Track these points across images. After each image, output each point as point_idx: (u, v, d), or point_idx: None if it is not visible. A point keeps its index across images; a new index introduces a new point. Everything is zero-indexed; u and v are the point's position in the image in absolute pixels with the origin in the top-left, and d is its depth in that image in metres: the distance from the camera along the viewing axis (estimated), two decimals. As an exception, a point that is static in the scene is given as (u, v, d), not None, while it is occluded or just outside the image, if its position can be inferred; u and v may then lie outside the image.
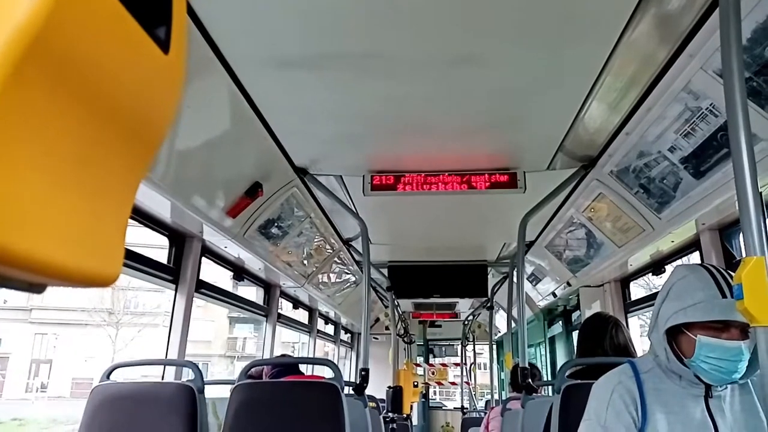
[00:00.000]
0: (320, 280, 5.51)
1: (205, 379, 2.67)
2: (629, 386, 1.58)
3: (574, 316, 6.24)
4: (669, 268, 3.66)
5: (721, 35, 1.34)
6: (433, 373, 11.81)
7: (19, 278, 0.36)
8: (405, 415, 7.54)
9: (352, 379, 7.82)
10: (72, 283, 0.39)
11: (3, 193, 0.32)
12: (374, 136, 2.91)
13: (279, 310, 5.22)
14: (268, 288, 5.00)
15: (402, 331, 9.65)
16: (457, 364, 12.14)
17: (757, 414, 1.50)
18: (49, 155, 0.36)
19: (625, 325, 2.78)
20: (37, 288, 0.40)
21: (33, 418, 20.37)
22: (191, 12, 1.83)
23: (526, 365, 3.34)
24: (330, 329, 8.18)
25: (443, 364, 12.26)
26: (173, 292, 3.31)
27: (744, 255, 1.23)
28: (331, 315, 7.60)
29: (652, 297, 4.06)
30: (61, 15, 0.33)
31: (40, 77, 0.34)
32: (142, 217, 2.91)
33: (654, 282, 4.46)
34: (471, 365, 11.58)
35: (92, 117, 0.38)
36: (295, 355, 8.11)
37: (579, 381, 2.25)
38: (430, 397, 11.87)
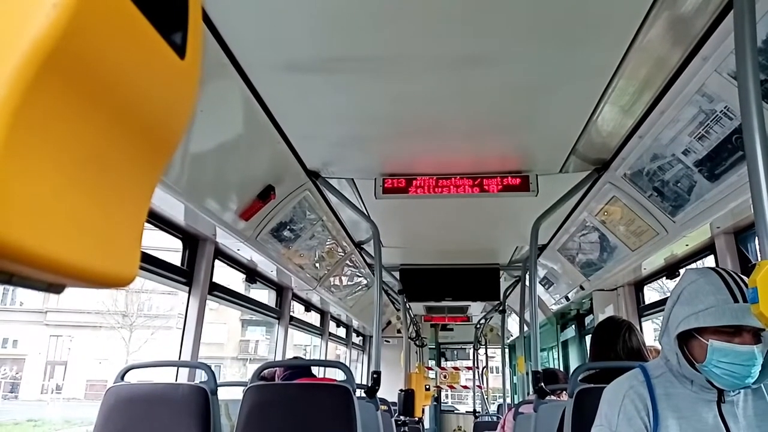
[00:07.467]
0: (332, 283, 5.52)
1: (217, 381, 2.69)
2: (640, 391, 1.57)
3: (587, 319, 6.20)
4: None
5: (735, 38, 1.32)
6: (444, 377, 11.78)
7: (37, 278, 0.37)
8: (417, 419, 7.52)
9: (364, 382, 7.83)
10: (89, 283, 0.40)
11: (22, 194, 0.33)
12: (386, 138, 2.91)
13: (291, 313, 5.24)
14: (281, 290, 5.02)
15: (414, 335, 9.63)
16: (469, 368, 12.12)
17: (771, 419, 1.48)
18: (66, 157, 0.36)
19: (638, 329, 2.76)
20: (56, 288, 0.40)
21: (48, 419, 20.57)
22: (205, 17, 1.85)
23: (539, 369, 3.32)
24: (342, 332, 8.19)
25: (455, 368, 12.22)
26: (187, 294, 3.34)
27: (759, 258, 1.21)
28: (343, 318, 7.61)
29: (666, 301, 4.02)
30: (81, 22, 0.34)
31: (59, 83, 0.34)
32: (156, 219, 2.94)
33: (668, 286, 4.42)
34: (483, 369, 11.54)
35: (109, 121, 0.39)
36: (307, 358, 8.12)
37: (592, 385, 2.23)
38: (441, 400, 11.86)
